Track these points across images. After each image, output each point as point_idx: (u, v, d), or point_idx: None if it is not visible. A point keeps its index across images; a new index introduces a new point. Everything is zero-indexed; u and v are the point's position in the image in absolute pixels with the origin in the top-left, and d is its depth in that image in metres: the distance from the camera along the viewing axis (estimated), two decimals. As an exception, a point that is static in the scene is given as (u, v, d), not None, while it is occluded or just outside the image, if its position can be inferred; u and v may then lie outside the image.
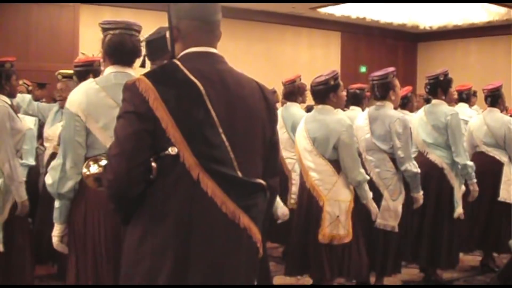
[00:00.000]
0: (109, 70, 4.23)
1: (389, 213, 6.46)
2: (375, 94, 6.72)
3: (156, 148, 2.91)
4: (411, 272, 7.66)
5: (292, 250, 6.38)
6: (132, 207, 3.00)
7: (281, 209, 5.44)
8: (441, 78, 7.26)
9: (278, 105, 13.66)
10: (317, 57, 19.90)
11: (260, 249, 3.14)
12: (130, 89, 2.94)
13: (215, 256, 2.95)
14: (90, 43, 14.47)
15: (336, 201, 5.92)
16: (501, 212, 7.74)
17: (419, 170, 6.49)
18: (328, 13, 18.62)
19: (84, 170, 3.47)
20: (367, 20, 19.43)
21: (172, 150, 2.88)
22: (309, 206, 6.06)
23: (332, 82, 6.13)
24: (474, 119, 7.92)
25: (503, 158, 7.83)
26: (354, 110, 8.55)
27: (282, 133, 7.51)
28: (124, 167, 2.88)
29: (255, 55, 17.67)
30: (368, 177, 6.08)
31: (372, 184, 6.41)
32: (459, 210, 7.03)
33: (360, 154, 6.48)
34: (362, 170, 6.04)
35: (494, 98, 8.04)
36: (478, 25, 19.44)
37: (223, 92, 2.99)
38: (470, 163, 7.00)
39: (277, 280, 6.95)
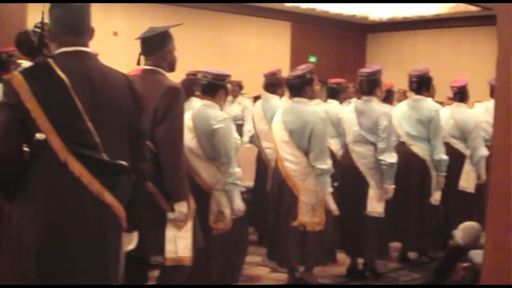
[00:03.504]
0: None
1: (375, 200, 6.87)
2: (362, 89, 7.07)
3: (27, 134, 3.36)
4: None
5: (269, 236, 6.65)
6: (11, 185, 3.43)
7: (237, 204, 5.67)
8: (426, 76, 7.76)
9: (247, 95, 13.62)
10: (266, 46, 19.88)
11: (123, 223, 3.61)
12: (5, 83, 3.44)
13: (83, 230, 3.43)
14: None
15: (311, 190, 6.18)
16: (459, 200, 8.15)
17: (395, 161, 6.85)
18: (277, 4, 18.62)
19: None
20: (317, 11, 19.51)
21: (40, 136, 3.33)
22: (281, 194, 6.31)
23: (307, 76, 6.32)
24: (441, 112, 8.10)
25: (467, 151, 8.23)
26: (332, 104, 8.87)
27: (262, 124, 8.02)
28: None
29: (203, 43, 17.54)
30: (333, 170, 6.29)
31: (359, 174, 6.91)
32: (437, 198, 7.56)
33: (347, 146, 7.02)
34: (329, 161, 6.24)
35: (462, 95, 8.44)
36: (427, 17, 19.69)
37: (88, 85, 3.45)
38: (445, 157, 7.47)
39: (256, 270, 7.37)
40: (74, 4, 3.55)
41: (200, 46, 17.06)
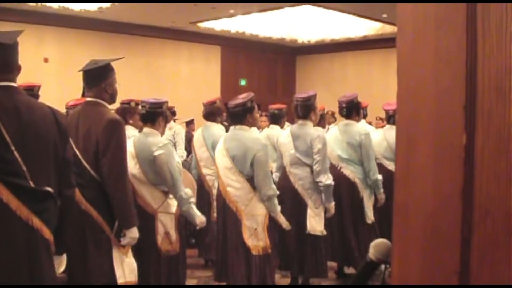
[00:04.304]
0: None
1: (314, 220, 7.09)
2: (297, 113, 7.28)
3: None
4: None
5: (217, 259, 6.73)
6: None
7: (199, 217, 5.99)
8: (355, 102, 7.99)
9: (178, 121, 13.68)
10: (197, 70, 20.02)
11: (51, 246, 3.79)
12: None
13: (12, 253, 3.57)
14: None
15: (253, 215, 6.31)
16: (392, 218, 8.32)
17: (332, 183, 7.08)
18: (207, 28, 18.81)
19: None
20: (247, 35, 19.73)
21: None
22: (226, 219, 6.43)
23: (249, 104, 6.45)
24: (375, 135, 8.46)
25: None
26: (274, 129, 9.10)
27: (202, 151, 8.21)
28: None
29: (135, 69, 17.58)
30: (278, 192, 6.43)
31: (297, 195, 7.14)
32: (370, 216, 7.80)
33: (284, 168, 7.23)
34: (274, 186, 6.40)
35: (395, 117, 8.62)
36: (355, 39, 20.09)
37: (16, 118, 3.63)
38: (380, 177, 7.76)
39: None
40: (4, 43, 3.72)
41: (132, 72, 17.08)
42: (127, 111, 7.70)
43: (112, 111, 5.47)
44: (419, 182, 1.68)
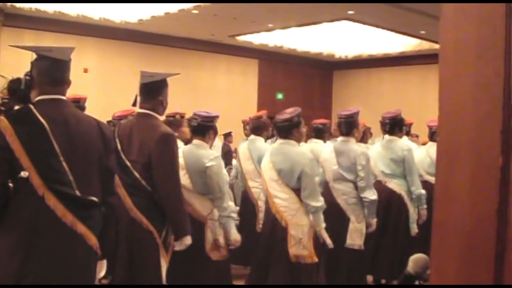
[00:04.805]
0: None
1: (356, 234, 7.16)
2: (341, 130, 7.39)
3: (12, 172, 3.70)
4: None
5: (255, 269, 6.82)
6: None
7: (234, 235, 6.14)
8: (399, 118, 8.12)
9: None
10: (235, 83, 20.15)
11: (97, 251, 3.98)
12: None
13: (57, 257, 3.77)
14: (10, 66, 14.43)
15: (299, 225, 6.39)
16: None
17: (376, 198, 7.18)
18: (246, 41, 18.98)
19: None
20: (285, 49, 19.84)
21: (24, 174, 3.69)
22: (274, 229, 6.50)
23: (295, 119, 6.56)
24: (417, 152, 8.55)
25: None
26: (317, 143, 9.19)
27: (248, 164, 8.37)
28: None
29: (174, 81, 17.40)
30: (325, 206, 6.51)
31: (339, 209, 7.14)
32: (414, 228, 7.87)
33: (327, 183, 7.32)
34: (321, 198, 6.49)
35: (436, 133, 8.65)
36: (392, 55, 20.07)
37: (65, 129, 3.85)
38: (423, 191, 7.82)
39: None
40: (58, 59, 3.97)
41: (171, 84, 17.02)
42: (173, 123, 7.90)
43: None
44: (457, 201, 1.77)
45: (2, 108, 6.83)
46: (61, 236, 3.79)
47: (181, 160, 5.98)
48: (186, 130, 7.73)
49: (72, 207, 3.81)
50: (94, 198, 3.95)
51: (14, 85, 6.43)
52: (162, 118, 6.10)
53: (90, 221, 3.91)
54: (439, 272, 1.90)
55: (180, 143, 7.31)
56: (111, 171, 4.24)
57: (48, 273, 3.75)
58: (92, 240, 3.92)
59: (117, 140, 5.30)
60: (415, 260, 4.83)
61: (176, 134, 7.72)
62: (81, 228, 3.83)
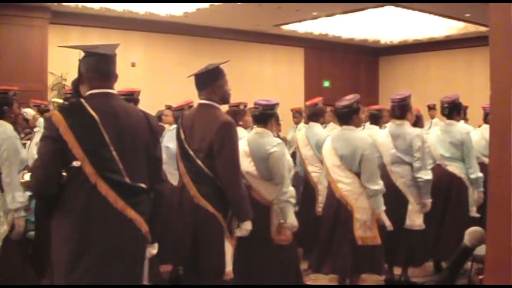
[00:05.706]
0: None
1: (415, 215, 7.43)
2: (395, 114, 7.63)
3: (66, 161, 3.97)
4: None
5: (320, 250, 7.00)
6: (50, 203, 4.06)
7: (291, 219, 6.26)
8: (457, 102, 8.27)
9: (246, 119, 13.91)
10: (281, 72, 20.20)
11: (146, 235, 4.21)
12: (46, 120, 4.11)
13: (109, 240, 3.99)
14: (58, 63, 14.67)
15: (364, 208, 6.61)
16: None
17: (431, 178, 7.36)
18: (291, 30, 19.00)
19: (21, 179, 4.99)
20: (330, 36, 19.83)
21: (76, 163, 3.96)
22: (338, 213, 6.71)
23: (355, 106, 6.75)
24: (473, 134, 8.57)
25: None
26: (373, 129, 9.45)
27: (307, 150, 8.54)
28: (43, 175, 3.99)
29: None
30: (385, 190, 6.69)
31: (398, 192, 7.45)
32: (474, 210, 8.07)
33: (384, 166, 7.50)
34: (381, 182, 6.68)
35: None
36: (438, 39, 19.96)
37: (114, 121, 4.08)
38: (481, 175, 7.95)
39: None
40: (105, 54, 4.23)
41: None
42: (237, 113, 8.14)
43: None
44: (510, 175, 1.84)
45: (66, 103, 7.01)
46: (112, 221, 4.02)
47: (246, 148, 6.22)
48: (249, 119, 7.95)
49: (123, 194, 4.04)
50: (143, 185, 4.19)
51: (76, 81, 6.63)
52: (225, 108, 6.25)
53: (140, 206, 4.14)
54: (493, 242, 1.97)
55: (244, 132, 7.48)
56: (159, 160, 4.47)
57: (101, 257, 3.98)
58: (142, 224, 4.15)
59: (181, 131, 5.59)
60: (471, 232, 4.94)
61: (241, 123, 7.96)
62: (131, 213, 4.07)
